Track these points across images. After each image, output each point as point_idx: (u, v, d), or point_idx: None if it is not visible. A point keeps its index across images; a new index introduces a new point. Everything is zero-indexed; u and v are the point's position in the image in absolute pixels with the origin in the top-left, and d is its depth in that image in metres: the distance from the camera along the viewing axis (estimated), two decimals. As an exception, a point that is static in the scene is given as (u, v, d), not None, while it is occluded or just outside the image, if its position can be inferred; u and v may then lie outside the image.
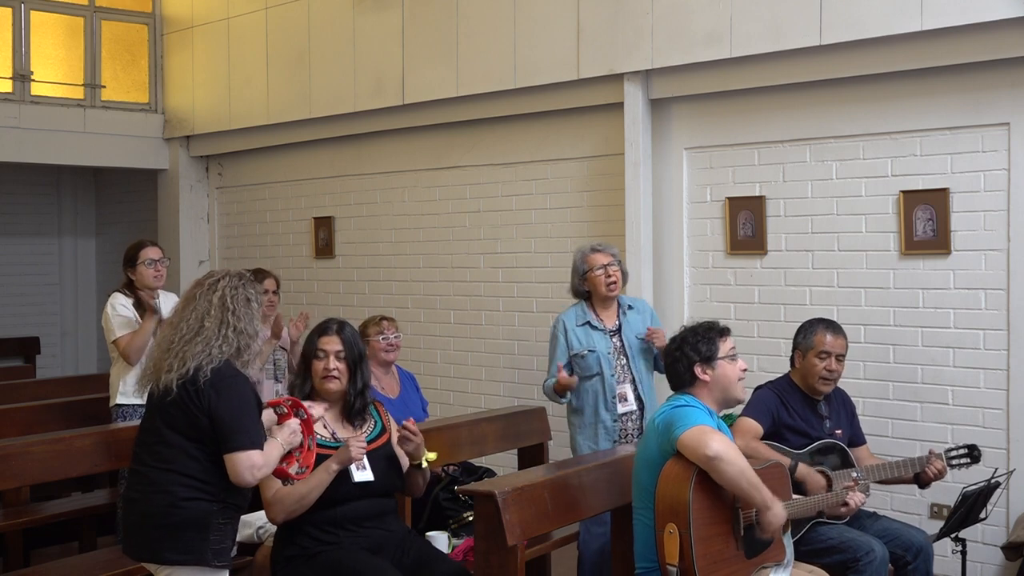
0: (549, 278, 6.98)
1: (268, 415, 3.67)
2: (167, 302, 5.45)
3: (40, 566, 4.96)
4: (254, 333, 3.57)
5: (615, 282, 5.11)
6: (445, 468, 5.58)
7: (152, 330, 5.35)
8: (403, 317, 7.20)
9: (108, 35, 9.51)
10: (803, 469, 4.33)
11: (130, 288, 5.64)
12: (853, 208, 5.74)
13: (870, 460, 4.68)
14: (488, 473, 5.80)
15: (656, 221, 6.44)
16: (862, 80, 5.65)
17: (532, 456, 5.73)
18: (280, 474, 3.61)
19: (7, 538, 5.21)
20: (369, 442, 3.92)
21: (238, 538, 4.20)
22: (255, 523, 4.58)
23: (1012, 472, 4.91)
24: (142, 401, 3.70)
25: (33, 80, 9.05)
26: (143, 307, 5.55)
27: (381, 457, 3.97)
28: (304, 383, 4.03)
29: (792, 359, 4.71)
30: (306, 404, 3.77)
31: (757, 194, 6.08)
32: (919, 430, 5.51)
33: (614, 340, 5.10)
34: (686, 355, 3.77)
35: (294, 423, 3.64)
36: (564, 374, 4.96)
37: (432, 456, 4.21)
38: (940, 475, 4.52)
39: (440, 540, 4.74)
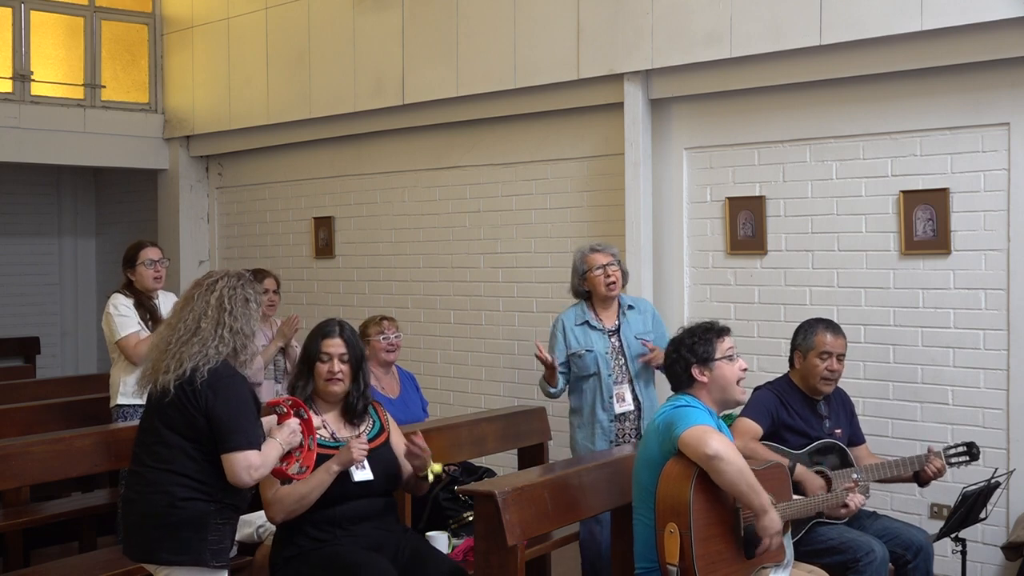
0: (549, 278, 6.97)
1: (269, 419, 3.67)
2: (167, 302, 5.44)
3: (40, 566, 4.96)
4: (251, 333, 3.57)
5: (614, 282, 5.10)
6: (445, 468, 5.57)
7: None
8: (403, 317, 7.19)
9: (108, 35, 9.51)
10: (801, 470, 4.33)
11: (130, 289, 5.62)
12: (853, 208, 5.74)
13: (869, 459, 4.68)
14: (488, 473, 5.80)
15: (656, 221, 6.44)
16: (862, 80, 5.65)
17: (532, 456, 5.73)
18: (279, 474, 3.60)
19: (7, 538, 5.21)
20: (368, 441, 3.92)
21: (238, 537, 4.21)
22: (255, 522, 4.59)
23: (1012, 472, 4.91)
24: (142, 401, 3.69)
25: (33, 80, 9.05)
26: (144, 308, 5.54)
27: (380, 456, 3.97)
28: (306, 385, 4.01)
29: (791, 359, 4.70)
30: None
31: (757, 194, 6.08)
32: (919, 430, 5.51)
33: (612, 340, 5.10)
34: (683, 357, 3.78)
35: (294, 423, 3.64)
36: (544, 353, 4.94)
37: (437, 468, 4.20)
38: (939, 473, 4.52)
39: (440, 540, 4.73)
